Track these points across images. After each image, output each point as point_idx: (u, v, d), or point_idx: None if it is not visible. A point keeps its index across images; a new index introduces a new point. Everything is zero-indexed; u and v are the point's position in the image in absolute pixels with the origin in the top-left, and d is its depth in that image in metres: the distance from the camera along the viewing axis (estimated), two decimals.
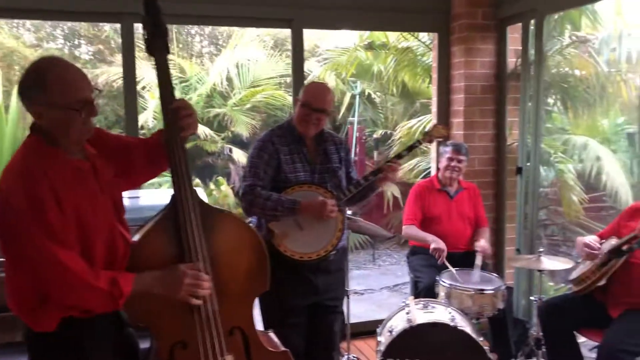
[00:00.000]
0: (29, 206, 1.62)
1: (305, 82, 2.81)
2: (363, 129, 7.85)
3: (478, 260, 3.50)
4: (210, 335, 1.93)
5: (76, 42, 9.08)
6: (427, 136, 2.77)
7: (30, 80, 1.70)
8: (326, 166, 2.71)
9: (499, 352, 3.64)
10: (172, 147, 1.92)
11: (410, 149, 2.83)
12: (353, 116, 7.73)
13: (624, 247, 2.61)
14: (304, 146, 2.68)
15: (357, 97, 7.76)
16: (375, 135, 7.63)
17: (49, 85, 1.68)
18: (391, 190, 7.47)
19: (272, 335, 2.26)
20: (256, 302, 2.79)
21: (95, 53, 8.92)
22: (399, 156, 2.77)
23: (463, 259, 3.71)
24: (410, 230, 3.82)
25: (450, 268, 3.43)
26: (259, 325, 2.83)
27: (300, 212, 2.51)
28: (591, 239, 2.84)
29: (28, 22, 8.54)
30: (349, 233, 3.45)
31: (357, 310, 5.29)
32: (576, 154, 5.22)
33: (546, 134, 5.54)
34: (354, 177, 2.81)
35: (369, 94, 7.99)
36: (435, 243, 3.58)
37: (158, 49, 1.93)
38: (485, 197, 4.31)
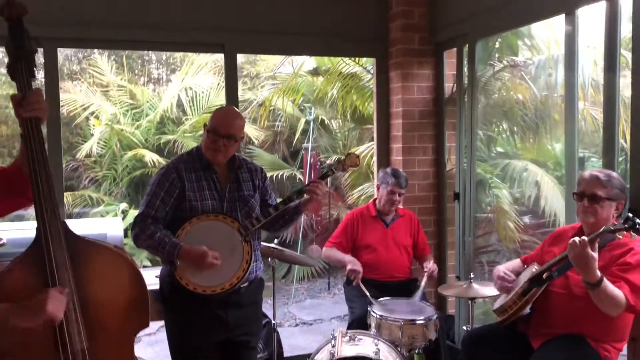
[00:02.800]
0: None
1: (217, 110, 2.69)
2: (317, 154, 7.79)
3: (422, 282, 3.43)
4: None
5: None
6: (341, 164, 2.69)
7: None
8: (237, 194, 2.59)
9: None
10: (33, 164, 1.76)
11: (324, 178, 2.73)
12: (308, 142, 7.66)
13: (544, 275, 2.53)
14: (213, 173, 2.56)
15: (312, 122, 7.72)
16: (328, 161, 7.58)
17: None
18: (343, 215, 7.38)
19: None
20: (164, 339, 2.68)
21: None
22: (308, 185, 2.66)
23: (400, 288, 3.63)
24: (330, 252, 3.78)
25: (366, 292, 3.37)
26: None
27: (180, 257, 2.38)
28: (506, 270, 2.77)
29: None
30: (275, 263, 3.33)
31: (302, 342, 5.15)
32: (515, 179, 5.22)
33: (489, 159, 5.55)
34: (272, 204, 2.69)
35: (323, 120, 7.95)
36: (352, 264, 3.54)
37: (22, 73, 1.78)
38: (427, 223, 4.25)
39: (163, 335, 2.77)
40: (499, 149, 5.78)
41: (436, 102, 4.30)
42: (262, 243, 2.93)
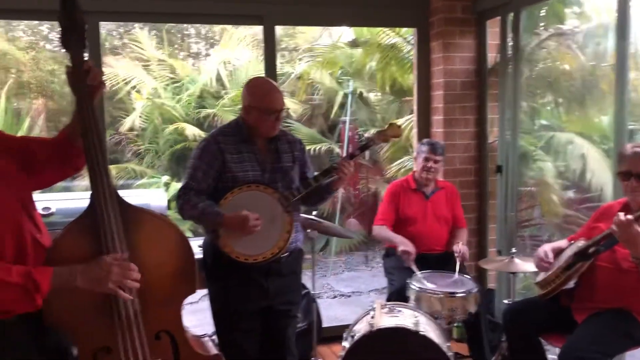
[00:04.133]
0: None
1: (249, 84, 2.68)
2: (355, 128, 7.74)
3: (457, 266, 3.39)
4: (132, 340, 1.85)
5: None
6: (382, 135, 2.66)
7: None
8: (277, 165, 2.61)
9: (475, 356, 3.53)
10: (87, 133, 1.84)
11: (364, 149, 2.71)
12: (346, 115, 7.61)
13: (590, 250, 2.47)
14: (254, 145, 2.58)
15: (350, 95, 7.65)
16: (367, 135, 7.52)
17: None
18: (384, 190, 7.35)
19: (206, 339, 2.17)
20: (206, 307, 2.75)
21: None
22: (351, 156, 2.66)
23: (439, 261, 3.60)
24: (380, 230, 3.72)
25: (417, 272, 3.33)
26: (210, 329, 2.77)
27: (223, 225, 2.42)
28: (550, 250, 2.71)
29: (23, 24, 8.55)
30: (316, 235, 3.34)
31: (340, 313, 5.21)
32: (560, 152, 5.07)
33: (533, 131, 5.40)
34: (310, 177, 2.70)
35: (361, 93, 7.87)
36: (403, 245, 3.48)
37: (73, 43, 1.85)
38: (467, 196, 4.19)
39: (204, 304, 2.84)
40: (543, 122, 5.62)
41: (478, 73, 4.19)
42: (302, 215, 2.95)
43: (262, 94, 2.57)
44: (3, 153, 1.83)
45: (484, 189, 4.24)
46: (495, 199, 4.13)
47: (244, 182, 2.52)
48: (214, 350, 2.11)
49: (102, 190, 1.83)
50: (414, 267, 3.37)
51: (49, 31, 8.92)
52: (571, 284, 2.62)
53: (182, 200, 2.48)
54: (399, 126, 2.69)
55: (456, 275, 3.34)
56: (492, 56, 4.16)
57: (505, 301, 3.35)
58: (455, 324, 4.07)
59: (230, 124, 2.66)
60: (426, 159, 3.67)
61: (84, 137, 1.84)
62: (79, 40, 1.86)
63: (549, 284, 2.61)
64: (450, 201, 3.82)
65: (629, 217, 2.15)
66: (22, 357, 1.78)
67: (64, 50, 1.87)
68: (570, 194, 5.49)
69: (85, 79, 1.85)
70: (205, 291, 2.70)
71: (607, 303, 2.45)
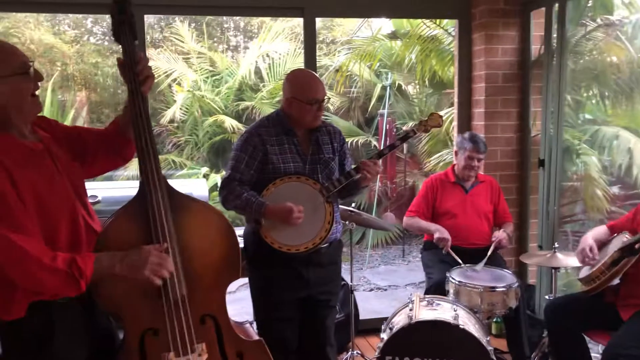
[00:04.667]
0: None
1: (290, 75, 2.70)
2: (393, 121, 7.69)
3: (489, 251, 3.36)
4: (179, 323, 1.90)
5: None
6: (422, 125, 2.64)
7: None
8: (318, 157, 2.62)
9: (514, 352, 3.49)
10: (138, 122, 1.89)
11: (404, 139, 2.69)
12: (384, 108, 7.57)
13: (637, 246, 2.41)
14: (294, 137, 2.60)
15: (388, 88, 7.61)
16: (404, 128, 7.47)
17: None
18: (418, 183, 7.31)
19: (247, 326, 2.21)
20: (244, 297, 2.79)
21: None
22: (391, 146, 2.65)
23: (479, 255, 3.56)
24: (412, 221, 3.72)
25: (456, 258, 3.33)
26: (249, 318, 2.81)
27: (267, 216, 2.44)
28: (594, 243, 2.64)
29: (69, 18, 8.78)
30: (354, 226, 3.35)
31: (377, 306, 5.21)
32: (605, 147, 4.92)
33: (577, 125, 5.27)
34: (349, 168, 2.71)
35: (400, 85, 7.82)
36: (439, 232, 3.48)
37: (125, 35, 1.90)
38: (508, 190, 4.13)
39: (243, 294, 2.88)
40: (588, 115, 5.47)
41: (521, 65, 4.11)
42: (340, 206, 2.96)
43: (303, 85, 2.58)
44: (58, 142, 1.89)
45: (526, 183, 4.17)
46: (537, 194, 4.05)
47: (285, 173, 2.54)
48: (255, 336, 2.14)
49: (152, 177, 1.88)
50: (452, 253, 3.36)
51: (93, 25, 9.14)
52: (616, 280, 2.56)
53: (226, 190, 2.51)
54: (440, 116, 2.67)
55: (480, 265, 3.31)
56: (535, 48, 4.08)
57: (547, 297, 3.30)
58: (494, 320, 4.04)
59: (271, 116, 2.69)
60: (470, 157, 3.62)
61: (135, 126, 1.89)
62: (130, 33, 1.91)
63: (593, 281, 2.55)
64: (491, 195, 3.77)
65: None
66: (72, 337, 1.84)
67: (115, 42, 1.93)
68: (615, 189, 5.34)
69: (136, 70, 1.89)
70: (243, 280, 2.74)
71: None
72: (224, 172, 7.23)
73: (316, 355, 2.73)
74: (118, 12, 1.91)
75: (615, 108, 5.33)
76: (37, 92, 1.78)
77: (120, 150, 2.06)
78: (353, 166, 2.63)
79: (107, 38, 9.26)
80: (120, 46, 1.93)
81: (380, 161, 2.57)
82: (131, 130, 1.95)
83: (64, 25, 8.83)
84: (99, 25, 9.14)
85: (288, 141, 2.59)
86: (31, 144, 1.78)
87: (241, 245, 2.63)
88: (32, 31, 7.69)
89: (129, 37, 1.92)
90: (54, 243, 1.74)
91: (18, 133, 1.76)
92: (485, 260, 3.36)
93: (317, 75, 2.76)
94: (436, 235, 3.49)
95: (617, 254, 2.47)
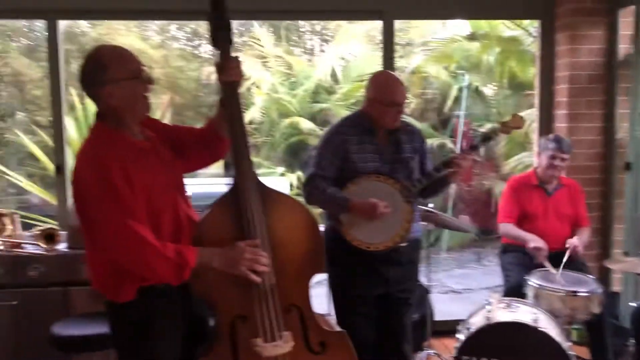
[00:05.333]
0: (100, 185, 1.79)
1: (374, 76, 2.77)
2: (469, 122, 7.61)
3: (564, 258, 3.28)
4: (268, 310, 2.02)
5: (197, 41, 9.70)
6: (504, 126, 2.64)
7: (91, 68, 1.89)
8: (397, 156, 2.68)
9: (596, 359, 3.40)
10: (234, 122, 2.03)
11: (485, 140, 2.70)
12: (460, 109, 7.51)
13: None
14: (375, 136, 2.67)
15: (464, 89, 7.53)
16: (482, 129, 7.37)
17: (108, 65, 1.86)
18: (499, 187, 7.18)
19: (329, 318, 2.31)
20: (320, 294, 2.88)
21: (213, 51, 9.47)
22: (473, 147, 2.67)
23: (558, 259, 3.48)
24: (508, 228, 3.63)
25: (550, 268, 3.24)
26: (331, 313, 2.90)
27: (350, 211, 2.51)
28: None
29: (155, 25, 9.25)
30: (432, 227, 3.38)
31: (452, 309, 5.17)
32: None
33: None
34: (429, 168, 2.75)
35: (477, 87, 7.72)
36: (534, 242, 3.39)
37: (222, 40, 2.04)
38: (591, 194, 4.01)
39: (319, 290, 2.96)
40: None
41: (607, 66, 3.99)
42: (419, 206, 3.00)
43: (384, 87, 2.65)
44: (162, 141, 2.05)
45: (610, 187, 4.04)
46: (622, 198, 3.92)
47: (365, 172, 2.61)
48: (337, 327, 2.23)
49: (245, 173, 2.02)
50: (547, 264, 3.28)
51: (177, 30, 9.58)
52: None
53: (310, 186, 2.61)
54: (522, 117, 2.66)
55: (559, 269, 3.22)
56: (623, 48, 3.95)
57: (633, 304, 3.19)
58: (574, 326, 3.93)
59: (352, 116, 2.77)
60: (553, 157, 3.56)
61: (231, 125, 2.03)
62: (227, 38, 2.04)
63: None
64: (574, 199, 3.69)
65: None
66: (170, 321, 2.00)
67: (213, 47, 2.07)
68: None
69: (232, 73, 2.02)
70: (319, 277, 2.83)
71: None
72: (299, 173, 7.41)
73: (393, 351, 2.78)
74: (216, 19, 2.05)
75: None
76: (147, 94, 1.95)
77: (215, 148, 2.19)
78: (451, 158, 2.65)
79: (188, 43, 9.69)
80: (216, 50, 2.06)
81: (471, 155, 2.60)
82: (224, 129, 2.08)
83: (151, 31, 9.31)
84: (183, 31, 9.57)
85: (368, 140, 2.66)
86: (140, 142, 1.95)
87: None
88: (123, 37, 8.18)
89: (225, 42, 2.05)
90: (159, 234, 1.89)
91: (129, 131, 1.93)
92: (562, 264, 3.28)
93: (397, 76, 2.81)
94: (531, 245, 3.40)
95: None
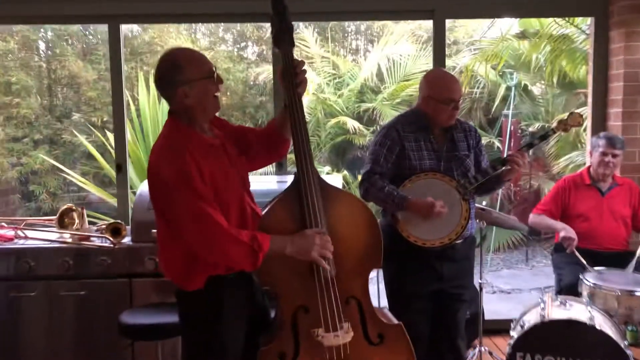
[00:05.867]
0: (178, 175, 1.89)
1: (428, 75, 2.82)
2: (518, 122, 7.52)
3: (638, 252, 3.29)
4: (329, 301, 2.09)
5: (243, 44, 9.88)
6: (562, 124, 2.64)
7: (167, 69, 1.99)
8: (453, 154, 2.71)
9: None
10: (296, 123, 2.10)
11: (543, 138, 2.71)
12: (508, 109, 7.44)
13: None
14: (430, 134, 2.71)
15: (513, 88, 7.46)
16: (531, 129, 7.28)
17: (183, 66, 1.96)
18: (548, 187, 7.08)
19: (386, 311, 2.36)
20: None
21: (259, 53, 9.63)
22: (530, 145, 2.68)
23: (614, 259, 3.45)
24: (537, 218, 3.68)
25: (581, 259, 3.27)
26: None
27: (408, 209, 2.56)
28: None
29: (203, 27, 9.48)
30: (484, 225, 3.39)
31: (501, 308, 5.16)
32: None
33: None
34: (484, 166, 2.77)
35: (526, 86, 7.62)
36: (565, 231, 3.42)
37: (285, 42, 2.12)
38: None
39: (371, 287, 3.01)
40: None
41: None
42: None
43: (440, 85, 2.69)
44: (229, 139, 2.15)
45: None
46: None
47: (421, 169, 2.65)
48: (395, 320, 2.28)
49: (307, 170, 2.09)
50: (577, 254, 3.31)
51: (224, 33, 9.79)
52: None
53: (367, 183, 2.66)
54: (581, 115, 2.65)
55: (631, 267, 3.20)
56: None
57: None
58: (628, 328, 3.87)
59: (408, 113, 2.82)
60: (604, 153, 3.54)
61: (293, 122, 2.10)
62: (290, 40, 2.12)
63: None
64: (631, 198, 3.64)
65: None
66: (237, 310, 2.09)
67: (275, 48, 2.15)
68: None
69: (295, 74, 2.10)
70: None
71: None
72: (345, 172, 7.44)
73: (448, 346, 2.81)
74: (280, 22, 2.12)
75: None
76: (217, 94, 2.05)
77: (277, 148, 2.28)
78: (508, 156, 2.67)
79: (236, 46, 9.89)
80: (280, 53, 2.13)
81: (528, 154, 2.63)
82: (287, 129, 2.17)
83: (199, 34, 9.55)
84: (230, 32, 9.78)
85: (424, 138, 2.70)
86: (210, 139, 2.06)
87: None
88: (173, 40, 8.42)
89: (288, 44, 2.13)
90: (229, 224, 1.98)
91: (200, 129, 2.04)
92: (633, 264, 3.25)
93: (453, 74, 2.85)
94: (562, 234, 3.44)
95: None
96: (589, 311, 2.83)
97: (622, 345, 2.68)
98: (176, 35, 8.63)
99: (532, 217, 3.74)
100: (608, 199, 3.60)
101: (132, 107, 6.30)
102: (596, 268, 3.25)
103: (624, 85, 3.95)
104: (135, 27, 8.53)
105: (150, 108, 6.07)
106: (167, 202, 1.95)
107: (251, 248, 1.92)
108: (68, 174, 6.72)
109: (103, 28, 7.54)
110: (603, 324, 2.78)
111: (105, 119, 7.92)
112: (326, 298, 2.09)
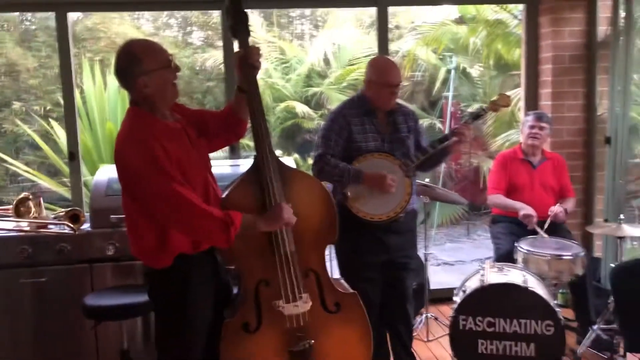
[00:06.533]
0: (147, 160, 1.98)
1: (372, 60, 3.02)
2: (458, 103, 7.87)
3: (545, 224, 3.58)
4: (289, 274, 2.26)
5: (188, 29, 9.81)
6: (493, 105, 2.91)
7: (126, 62, 2.07)
8: (395, 136, 2.93)
9: (580, 319, 3.70)
10: (254, 106, 2.24)
11: (475, 117, 2.97)
12: (448, 91, 7.77)
13: None
14: (374, 117, 2.91)
15: (452, 71, 7.79)
16: (470, 110, 7.64)
17: (141, 57, 2.05)
18: (487, 165, 7.46)
19: (342, 281, 2.55)
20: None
21: (205, 39, 9.60)
22: (476, 116, 2.94)
23: (543, 226, 3.76)
24: (497, 199, 3.90)
25: (541, 232, 3.52)
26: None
27: (364, 182, 2.76)
28: None
29: (147, 13, 9.35)
30: (427, 200, 3.64)
31: (446, 279, 5.48)
32: None
33: None
34: (424, 145, 3.00)
35: (464, 68, 7.97)
36: (525, 210, 3.66)
37: (242, 33, 2.25)
38: (575, 168, 4.30)
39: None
40: None
41: (588, 47, 4.26)
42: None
43: (380, 70, 2.90)
44: (189, 123, 2.26)
45: (592, 161, 4.33)
46: (603, 171, 4.20)
47: (367, 150, 2.86)
48: (350, 290, 2.48)
49: (265, 151, 2.23)
50: (537, 229, 3.57)
51: (168, 18, 9.69)
52: None
53: (321, 163, 2.84)
54: (508, 96, 2.94)
55: (542, 233, 3.51)
56: (602, 29, 4.21)
57: (612, 265, 3.47)
58: (560, 291, 4.24)
59: (354, 98, 3.01)
60: (532, 127, 3.83)
61: (251, 108, 2.24)
62: (246, 29, 2.25)
63: None
64: (557, 171, 3.96)
65: None
66: (203, 286, 2.22)
67: (233, 37, 2.28)
68: None
69: (250, 60, 2.24)
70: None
71: None
72: (295, 155, 7.57)
73: (398, 311, 3.06)
74: (235, 10, 2.24)
75: None
76: (175, 81, 2.15)
77: (235, 129, 2.40)
78: (454, 130, 2.91)
79: (181, 31, 9.81)
80: (236, 41, 2.26)
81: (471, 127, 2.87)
82: (243, 111, 2.30)
83: (143, 20, 9.42)
84: (174, 18, 9.68)
85: (368, 122, 2.91)
86: (172, 124, 2.15)
87: None
88: (117, 26, 8.29)
89: (244, 33, 2.26)
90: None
91: (161, 115, 2.14)
92: (544, 229, 3.55)
93: (394, 61, 3.06)
94: (522, 212, 3.66)
95: None
96: (523, 275, 3.11)
97: (552, 304, 2.97)
98: (120, 21, 8.50)
99: (490, 198, 3.97)
100: (539, 172, 3.91)
101: (77, 95, 6.22)
102: (529, 236, 3.54)
103: (552, 68, 4.27)
104: (77, 13, 8.35)
105: (96, 96, 6.03)
106: (139, 187, 2.04)
107: (225, 223, 2.04)
108: (12, 165, 6.58)
109: (42, 14, 7.38)
110: (536, 285, 3.07)
111: (48, 108, 7.77)
112: (286, 271, 2.25)
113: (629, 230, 3.30)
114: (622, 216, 3.43)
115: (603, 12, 4.17)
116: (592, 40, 4.23)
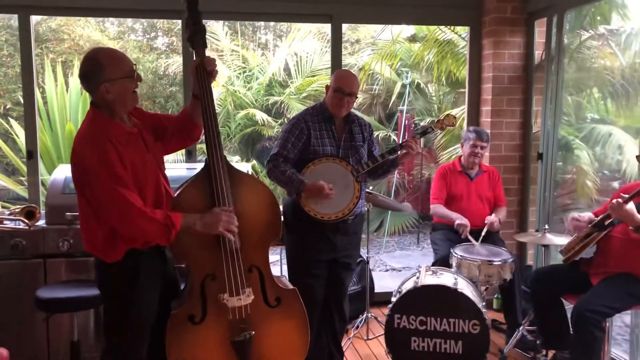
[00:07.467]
0: (100, 162, 2.12)
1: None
2: (412, 117, 8.19)
3: (482, 233, 3.85)
4: (234, 270, 2.42)
5: (153, 34, 9.90)
6: (439, 123, 3.19)
7: (91, 68, 2.21)
8: (350, 143, 3.16)
9: (509, 321, 3.98)
10: (207, 112, 2.40)
11: (423, 133, 3.24)
12: (403, 105, 8.08)
13: (606, 222, 2.91)
14: (332, 125, 3.14)
15: (407, 86, 8.11)
16: (423, 123, 7.98)
17: (106, 65, 2.19)
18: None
19: (284, 279, 2.75)
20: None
21: (169, 44, 9.70)
22: (423, 132, 3.24)
23: (479, 234, 4.03)
24: (438, 208, 4.17)
25: (473, 242, 3.79)
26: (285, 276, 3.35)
27: (305, 192, 2.97)
28: (580, 214, 3.14)
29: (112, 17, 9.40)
30: (370, 207, 3.88)
31: (391, 283, 5.71)
32: (599, 142, 5.42)
33: (576, 123, 5.74)
34: (376, 154, 3.24)
35: (419, 84, 8.31)
36: (459, 220, 3.95)
37: (198, 43, 2.43)
38: (511, 181, 4.62)
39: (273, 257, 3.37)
40: (591, 115, 5.94)
41: (525, 69, 4.58)
42: None
43: (337, 77, 3.14)
44: (146, 126, 2.42)
45: (527, 175, 4.65)
46: (536, 184, 4.52)
47: (323, 154, 3.08)
48: (290, 286, 2.67)
49: (216, 154, 2.39)
50: (470, 238, 3.84)
51: (133, 22, 9.76)
52: (590, 252, 3.05)
53: (272, 164, 3.05)
54: (454, 116, 3.20)
55: (478, 242, 3.78)
56: (539, 53, 4.54)
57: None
58: (495, 296, 4.54)
59: (316, 106, 3.24)
60: (474, 145, 4.12)
61: (205, 115, 2.40)
62: (203, 41, 2.43)
63: (569, 250, 3.06)
64: (493, 183, 4.26)
65: (619, 200, 2.63)
66: (151, 279, 2.37)
67: (191, 48, 2.46)
68: (616, 184, 5.78)
69: (207, 69, 2.41)
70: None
71: (617, 268, 2.88)
72: (254, 162, 7.73)
73: (335, 307, 3.28)
74: (193, 23, 2.42)
75: (614, 108, 5.79)
76: (136, 90, 2.31)
77: (190, 133, 2.56)
78: (402, 143, 3.13)
79: (146, 35, 9.88)
80: (194, 51, 2.44)
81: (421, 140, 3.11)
82: (197, 116, 2.46)
83: (108, 23, 9.47)
84: (139, 23, 9.76)
85: (327, 128, 3.13)
86: (129, 128, 2.30)
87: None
88: (81, 28, 8.33)
89: (201, 43, 2.42)
90: (144, 204, 2.25)
91: (120, 119, 2.29)
92: (481, 238, 3.83)
93: (355, 74, 3.28)
94: (457, 222, 3.95)
95: (590, 229, 2.97)
96: (455, 278, 3.35)
97: (479, 305, 3.21)
98: (84, 24, 8.54)
99: (433, 208, 4.24)
100: (476, 183, 4.20)
101: (39, 95, 6.26)
102: (463, 244, 3.81)
103: (493, 87, 4.59)
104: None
105: (57, 97, 6.09)
106: (88, 186, 2.18)
107: (165, 225, 2.20)
108: None
109: (2, 15, 7.37)
110: (465, 287, 3.31)
111: (8, 107, 7.74)
112: (231, 267, 2.42)
113: (552, 238, 3.59)
114: (547, 226, 3.73)
115: (540, 38, 4.51)
116: (530, 63, 4.56)
